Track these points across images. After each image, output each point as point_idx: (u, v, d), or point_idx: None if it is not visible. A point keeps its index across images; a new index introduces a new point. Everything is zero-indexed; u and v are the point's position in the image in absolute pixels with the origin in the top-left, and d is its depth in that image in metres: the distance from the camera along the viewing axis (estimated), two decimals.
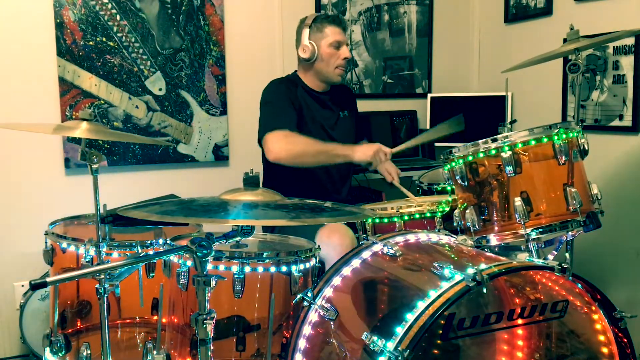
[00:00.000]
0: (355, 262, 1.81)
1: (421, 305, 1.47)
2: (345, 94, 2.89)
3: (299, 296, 1.79)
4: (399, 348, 1.40)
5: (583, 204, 1.87)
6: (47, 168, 2.97)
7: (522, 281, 1.79)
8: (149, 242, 2.06)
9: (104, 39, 3.01)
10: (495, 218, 1.93)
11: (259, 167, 2.70)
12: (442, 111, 3.64)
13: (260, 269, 1.81)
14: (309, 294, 1.77)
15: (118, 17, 3.02)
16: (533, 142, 1.87)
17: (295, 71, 2.76)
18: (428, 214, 2.18)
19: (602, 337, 1.66)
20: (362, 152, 2.47)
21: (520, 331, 1.82)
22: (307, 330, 1.73)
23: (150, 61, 3.11)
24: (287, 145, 2.42)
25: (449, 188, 2.12)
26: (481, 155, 1.91)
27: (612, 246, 2.83)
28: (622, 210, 2.75)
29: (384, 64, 3.66)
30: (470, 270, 1.48)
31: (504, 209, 1.91)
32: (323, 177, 2.67)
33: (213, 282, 1.41)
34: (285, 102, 2.56)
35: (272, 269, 1.82)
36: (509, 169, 1.85)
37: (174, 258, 1.83)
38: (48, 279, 1.21)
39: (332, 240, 2.20)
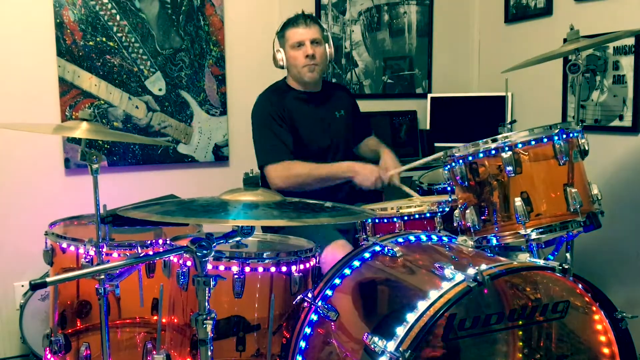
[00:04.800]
0: (356, 263, 1.81)
1: (422, 305, 1.47)
2: (341, 94, 2.87)
3: (299, 297, 1.79)
4: (400, 348, 1.40)
5: (583, 204, 1.87)
6: (47, 168, 2.97)
7: (523, 282, 1.79)
8: (149, 242, 2.06)
9: (104, 39, 3.00)
10: (496, 218, 1.92)
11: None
12: (442, 111, 3.64)
13: (260, 269, 1.81)
14: (310, 295, 1.77)
15: (118, 17, 3.02)
16: (533, 142, 1.87)
17: (285, 77, 2.77)
18: (428, 214, 2.18)
19: (602, 338, 1.66)
20: (363, 180, 2.46)
21: (520, 332, 1.82)
22: (307, 330, 1.73)
23: (150, 61, 3.10)
24: (287, 179, 2.50)
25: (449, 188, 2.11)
26: (481, 155, 1.91)
27: (613, 246, 2.83)
28: (622, 210, 2.75)
29: (384, 64, 3.66)
30: (471, 271, 1.48)
31: (504, 209, 1.90)
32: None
33: (213, 282, 1.41)
34: (276, 126, 2.58)
35: (272, 269, 1.82)
36: (509, 169, 1.85)
37: (174, 258, 1.83)
38: (48, 279, 1.21)
39: (337, 259, 2.20)
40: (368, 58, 3.62)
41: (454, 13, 3.80)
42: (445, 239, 1.96)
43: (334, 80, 3.51)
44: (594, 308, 1.64)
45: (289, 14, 2.74)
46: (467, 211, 1.96)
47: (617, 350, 1.64)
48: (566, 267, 1.58)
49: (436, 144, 3.54)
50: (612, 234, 2.70)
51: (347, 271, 1.80)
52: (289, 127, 2.60)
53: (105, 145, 3.06)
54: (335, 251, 2.24)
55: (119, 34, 3.03)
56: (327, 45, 2.67)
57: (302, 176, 2.49)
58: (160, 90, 3.14)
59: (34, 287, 1.20)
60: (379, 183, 2.46)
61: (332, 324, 1.69)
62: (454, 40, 3.81)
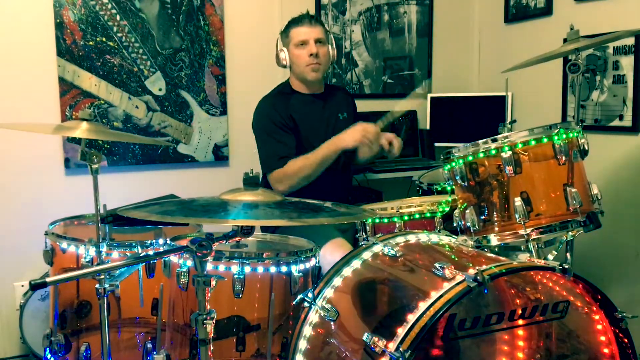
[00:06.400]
0: (356, 263, 1.81)
1: (422, 305, 1.47)
2: (343, 96, 2.88)
3: (299, 297, 1.79)
4: (400, 349, 1.40)
5: (583, 204, 1.87)
6: (47, 168, 2.97)
7: (523, 281, 1.79)
8: (149, 242, 2.06)
9: (104, 39, 3.00)
10: (495, 218, 1.92)
11: (259, 167, 2.70)
12: (442, 111, 3.64)
13: (260, 269, 1.81)
14: (310, 295, 1.76)
15: (118, 17, 3.02)
16: (533, 142, 1.87)
17: (288, 79, 2.77)
18: (428, 214, 2.18)
19: (602, 338, 1.66)
20: (351, 139, 2.47)
21: (520, 332, 1.82)
22: (307, 330, 1.73)
23: (150, 61, 3.10)
24: (287, 181, 2.52)
25: (448, 188, 2.11)
26: (481, 155, 1.91)
27: (612, 246, 2.83)
28: (622, 210, 2.75)
29: (384, 64, 3.66)
30: (472, 271, 1.48)
31: (504, 209, 1.90)
32: (323, 178, 2.66)
33: (213, 282, 1.41)
34: (278, 132, 2.58)
35: (272, 269, 1.82)
36: (509, 169, 1.85)
37: (174, 258, 1.83)
38: (48, 279, 1.21)
39: (334, 257, 2.20)
40: (368, 58, 3.62)
41: (454, 13, 3.80)
42: (445, 238, 1.96)
43: (334, 81, 3.51)
44: (594, 308, 1.64)
45: (290, 14, 2.74)
46: (467, 211, 1.96)
47: (617, 350, 1.65)
48: (566, 266, 1.58)
49: (436, 144, 3.54)
50: (612, 234, 2.70)
51: (347, 271, 1.80)
52: (292, 131, 2.60)
53: (105, 145, 3.06)
54: (334, 250, 2.24)
55: (119, 34, 3.03)
56: (329, 46, 2.67)
57: (299, 171, 2.50)
58: (160, 90, 3.14)
59: (34, 287, 1.20)
60: (367, 137, 2.46)
61: (332, 324, 1.69)
62: (454, 40, 3.81)
